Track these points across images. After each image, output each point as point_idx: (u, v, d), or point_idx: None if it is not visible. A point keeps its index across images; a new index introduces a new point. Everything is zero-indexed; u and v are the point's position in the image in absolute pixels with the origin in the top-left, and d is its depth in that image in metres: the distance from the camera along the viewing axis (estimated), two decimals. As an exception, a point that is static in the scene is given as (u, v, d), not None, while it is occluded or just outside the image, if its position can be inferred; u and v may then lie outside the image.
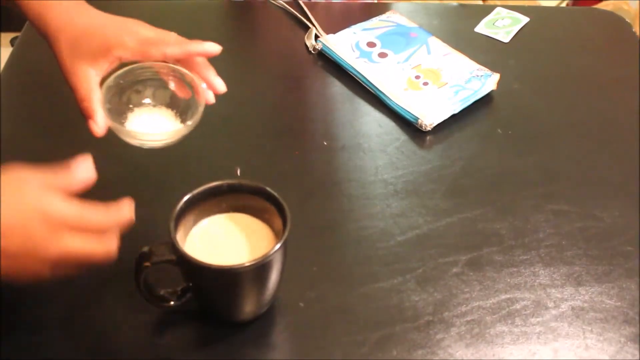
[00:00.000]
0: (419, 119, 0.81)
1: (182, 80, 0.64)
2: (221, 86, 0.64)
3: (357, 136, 0.81)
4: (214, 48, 0.63)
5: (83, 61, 0.60)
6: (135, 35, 0.61)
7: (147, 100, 0.66)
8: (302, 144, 0.81)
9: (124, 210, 0.52)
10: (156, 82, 0.65)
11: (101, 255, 0.51)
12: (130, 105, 0.65)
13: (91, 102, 0.60)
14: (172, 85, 0.65)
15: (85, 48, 0.60)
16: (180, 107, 0.65)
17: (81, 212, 0.50)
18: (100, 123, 0.60)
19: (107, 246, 0.52)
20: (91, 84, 0.60)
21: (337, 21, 0.99)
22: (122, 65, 0.63)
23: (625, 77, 0.92)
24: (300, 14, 0.99)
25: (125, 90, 0.64)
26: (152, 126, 0.64)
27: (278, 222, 0.57)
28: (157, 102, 0.66)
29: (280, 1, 1.01)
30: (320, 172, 0.78)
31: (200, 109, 0.62)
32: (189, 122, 0.62)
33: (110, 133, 0.61)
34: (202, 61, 0.64)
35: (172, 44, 0.62)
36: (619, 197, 0.75)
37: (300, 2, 1.01)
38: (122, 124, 0.63)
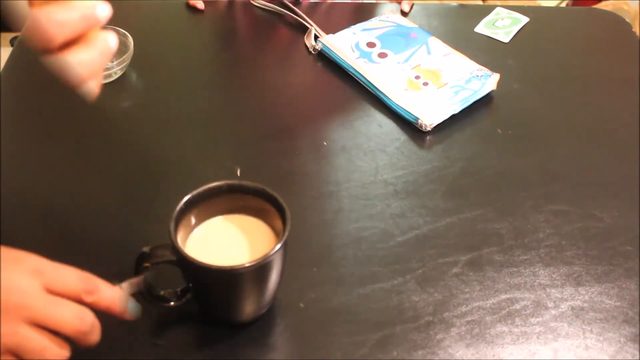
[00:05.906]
0: (419, 119, 0.81)
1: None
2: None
3: (357, 136, 0.81)
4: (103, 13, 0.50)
5: None
6: None
7: None
8: (302, 144, 0.81)
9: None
10: None
11: (52, 357, 0.46)
12: None
13: None
14: None
15: None
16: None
17: (51, 308, 0.45)
18: None
19: (60, 355, 0.47)
20: None
21: (337, 21, 0.99)
22: None
23: (625, 77, 0.92)
24: (298, 15, 0.99)
25: None
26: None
27: (278, 222, 0.57)
28: None
29: (271, 4, 1.01)
30: (321, 172, 0.78)
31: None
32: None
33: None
34: None
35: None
36: (619, 197, 0.75)
37: (289, 4, 1.00)
38: None
